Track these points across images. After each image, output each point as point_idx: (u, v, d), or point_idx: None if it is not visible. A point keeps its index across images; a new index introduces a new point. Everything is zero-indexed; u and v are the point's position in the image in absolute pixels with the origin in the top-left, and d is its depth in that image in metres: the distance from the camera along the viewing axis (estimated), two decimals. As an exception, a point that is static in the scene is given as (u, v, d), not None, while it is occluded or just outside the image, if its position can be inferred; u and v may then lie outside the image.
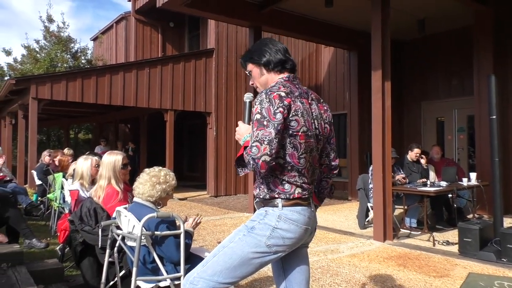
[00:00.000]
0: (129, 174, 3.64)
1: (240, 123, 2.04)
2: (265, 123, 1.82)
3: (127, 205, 2.94)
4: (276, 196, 1.92)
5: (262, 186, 1.97)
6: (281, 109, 1.84)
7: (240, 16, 8.08)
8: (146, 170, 2.88)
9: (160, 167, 2.93)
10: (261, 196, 1.98)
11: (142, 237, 2.57)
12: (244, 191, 11.44)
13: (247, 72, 2.17)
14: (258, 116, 1.85)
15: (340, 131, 12.17)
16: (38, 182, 7.60)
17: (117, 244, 2.81)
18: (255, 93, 2.04)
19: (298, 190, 1.94)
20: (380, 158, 5.80)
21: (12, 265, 3.53)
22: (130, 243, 2.72)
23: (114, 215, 2.90)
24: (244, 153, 1.86)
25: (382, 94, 5.88)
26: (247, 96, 2.14)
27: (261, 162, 1.78)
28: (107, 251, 2.87)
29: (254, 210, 2.05)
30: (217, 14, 7.96)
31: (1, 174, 6.58)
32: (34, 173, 7.80)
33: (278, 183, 1.93)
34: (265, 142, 1.78)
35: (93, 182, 3.90)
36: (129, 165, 3.51)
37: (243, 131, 1.99)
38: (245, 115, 2.09)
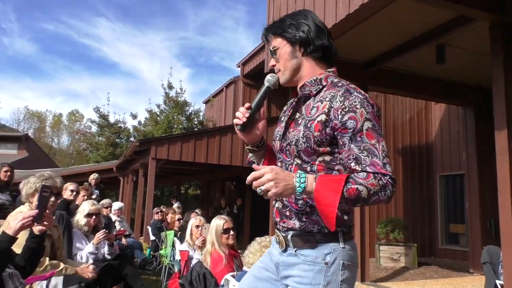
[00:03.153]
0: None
1: (265, 167, 1.47)
2: (380, 131, 1.41)
3: (234, 273, 2.94)
4: (338, 229, 1.46)
5: (314, 217, 1.47)
6: (378, 114, 1.49)
7: (345, 76, 8.08)
8: (258, 239, 2.86)
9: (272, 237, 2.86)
10: (314, 230, 1.48)
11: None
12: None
13: (270, 49, 1.61)
14: (369, 124, 1.39)
15: (456, 193, 11.11)
16: (152, 237, 8.07)
17: (224, 313, 2.79)
18: None
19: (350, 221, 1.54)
20: (510, 227, 5.07)
21: (127, 322, 3.71)
22: (237, 313, 2.68)
23: (222, 282, 2.91)
24: (366, 180, 1.33)
25: (510, 156, 5.27)
26: (269, 79, 1.60)
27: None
28: (215, 318, 2.86)
29: (284, 246, 1.59)
30: (321, 76, 8.10)
31: (122, 228, 7.17)
32: (149, 228, 8.33)
33: (339, 213, 1.43)
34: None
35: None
36: (232, 230, 3.51)
37: (283, 175, 1.40)
38: (254, 100, 1.59)
